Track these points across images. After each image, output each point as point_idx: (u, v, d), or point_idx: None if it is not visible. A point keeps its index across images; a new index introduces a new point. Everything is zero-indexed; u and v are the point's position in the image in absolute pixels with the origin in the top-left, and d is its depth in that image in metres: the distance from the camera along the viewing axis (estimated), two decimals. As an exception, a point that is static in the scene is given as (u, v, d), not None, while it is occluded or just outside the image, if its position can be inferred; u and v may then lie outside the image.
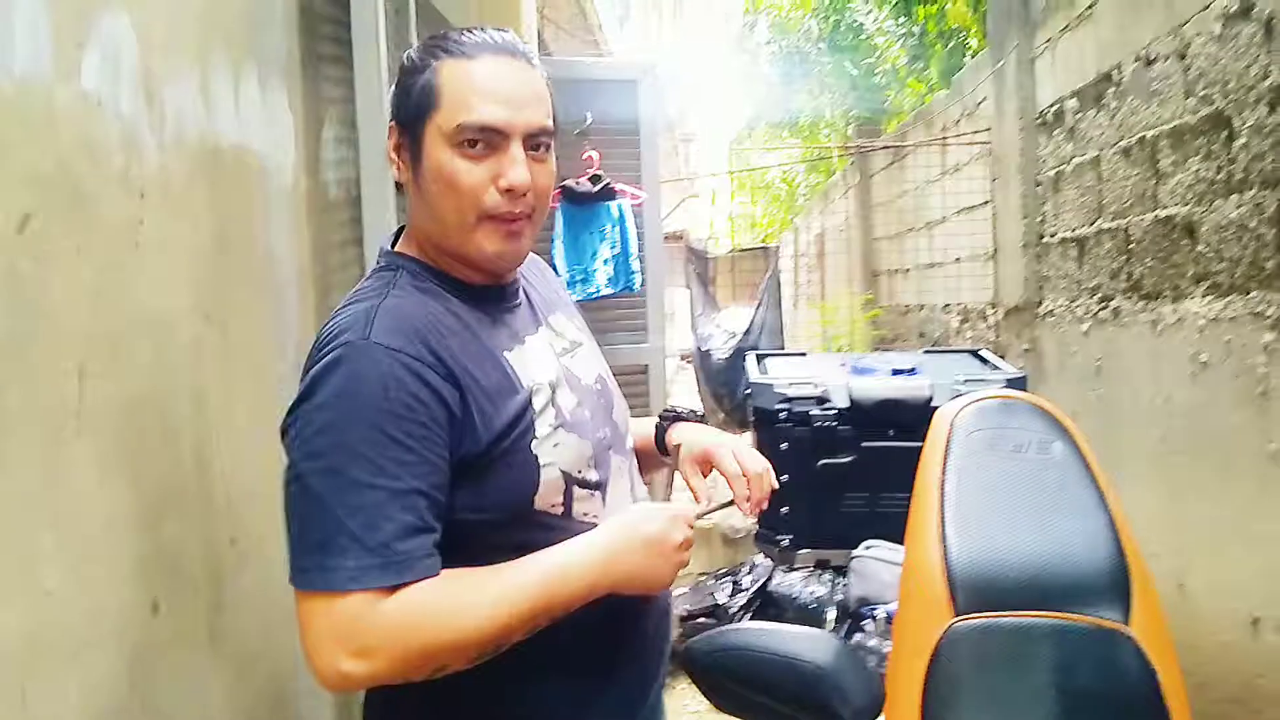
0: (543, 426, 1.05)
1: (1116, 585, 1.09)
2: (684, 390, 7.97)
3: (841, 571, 1.74)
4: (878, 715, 0.77)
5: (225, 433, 1.41)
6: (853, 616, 1.65)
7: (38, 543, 1.00)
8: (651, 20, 16.04)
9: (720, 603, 3.29)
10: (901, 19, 9.75)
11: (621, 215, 3.65)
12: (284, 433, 0.99)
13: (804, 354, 2.43)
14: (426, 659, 0.94)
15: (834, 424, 1.84)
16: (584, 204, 3.62)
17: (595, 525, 1.05)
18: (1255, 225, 2.26)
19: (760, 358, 2.22)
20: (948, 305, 5.35)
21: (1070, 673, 1.05)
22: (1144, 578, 1.11)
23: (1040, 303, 3.74)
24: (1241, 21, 2.30)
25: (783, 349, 5.63)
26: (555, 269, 3.66)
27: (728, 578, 3.64)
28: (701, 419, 1.31)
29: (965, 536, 1.11)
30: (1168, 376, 2.70)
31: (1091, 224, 3.23)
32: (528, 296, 1.18)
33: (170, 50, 1.32)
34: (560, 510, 1.06)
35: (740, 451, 1.19)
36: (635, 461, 1.23)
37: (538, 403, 1.06)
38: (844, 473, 1.83)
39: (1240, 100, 2.31)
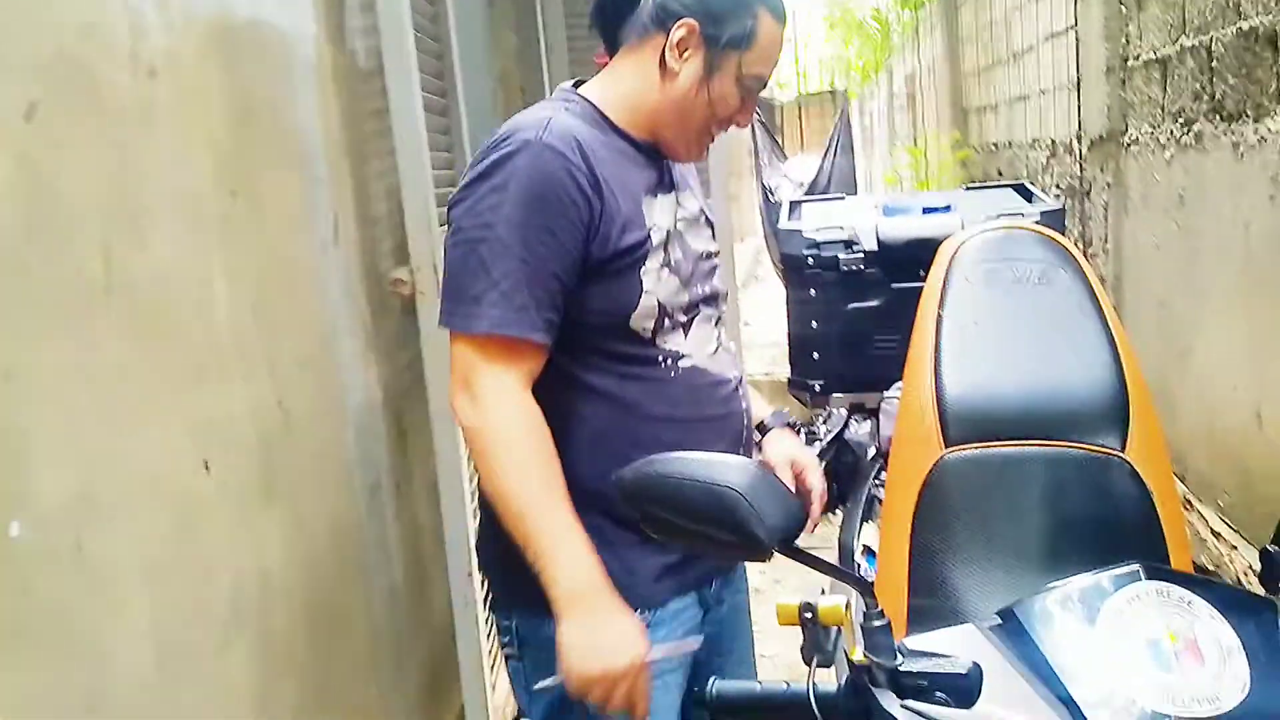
0: (653, 261, 1.24)
1: (1114, 413, 1.08)
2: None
3: (873, 414, 1.75)
4: (794, 536, 0.80)
5: (261, 303, 1.49)
6: (885, 456, 1.67)
7: (79, 405, 1.09)
8: None
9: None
10: None
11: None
12: (454, 204, 1.21)
13: (842, 197, 2.38)
14: (481, 445, 1.16)
15: (862, 267, 1.82)
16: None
17: (676, 353, 1.25)
18: (1341, 30, 2.08)
19: (795, 204, 2.18)
20: (1036, 140, 5.11)
21: (1063, 498, 1.06)
22: (1144, 405, 1.10)
23: (1125, 131, 3.55)
24: None
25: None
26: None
27: (802, 428, 3.69)
28: (795, 428, 1.51)
29: (958, 368, 1.11)
30: (1248, 201, 2.56)
31: (1175, 42, 3.02)
32: (670, 168, 1.36)
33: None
34: (648, 334, 1.24)
35: (819, 472, 1.39)
36: (724, 323, 1.41)
37: (655, 240, 1.24)
38: (874, 316, 1.82)
39: (1330, -111, 2.09)
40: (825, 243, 1.85)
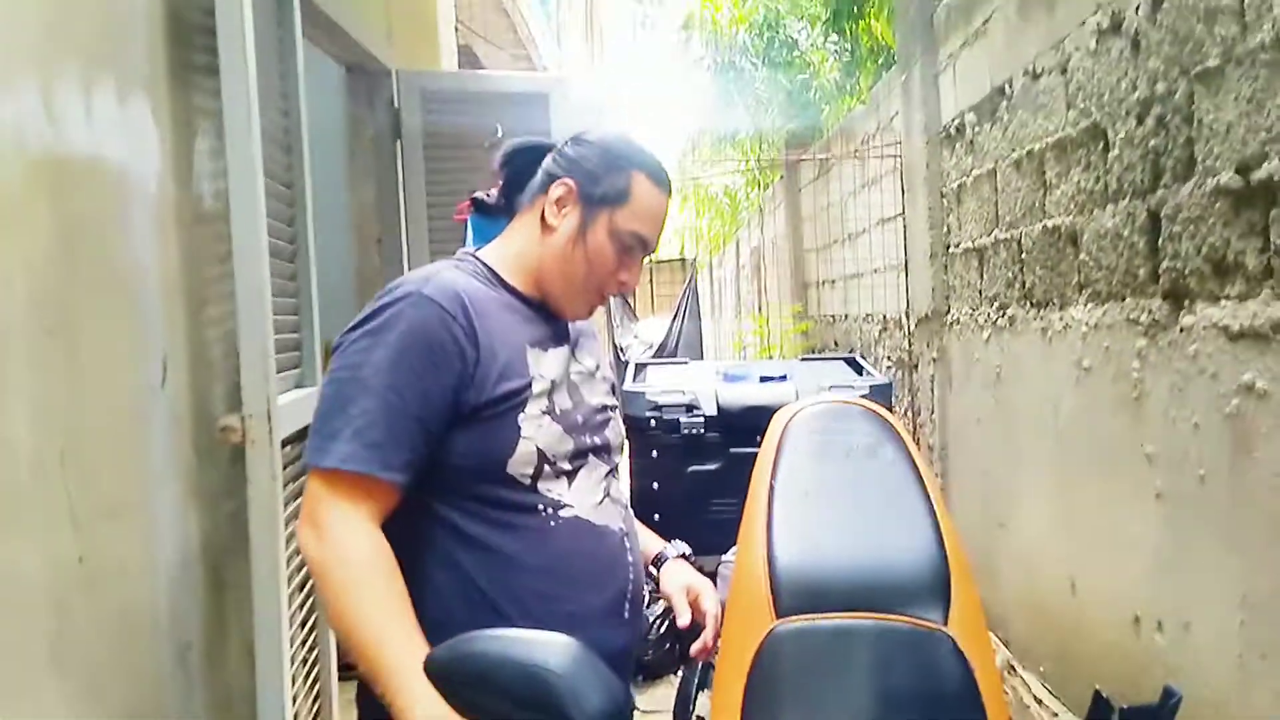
0: (534, 407, 1.26)
1: (936, 586, 1.11)
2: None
3: (710, 577, 1.75)
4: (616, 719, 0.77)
5: (71, 449, 1.39)
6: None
7: None
8: (590, 35, 16.06)
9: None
10: (834, 35, 9.90)
11: (533, 227, 3.65)
12: (335, 349, 1.24)
13: (685, 362, 2.45)
14: (325, 578, 1.15)
15: (702, 431, 1.86)
16: (494, 215, 3.62)
17: (557, 501, 1.26)
18: (1128, 234, 2.32)
19: (640, 367, 2.23)
20: (869, 315, 5.43)
21: (888, 672, 1.07)
22: (965, 578, 1.14)
23: (948, 311, 3.82)
24: (1112, 37, 2.37)
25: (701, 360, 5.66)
26: (467, 281, 3.67)
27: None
28: (690, 558, 1.54)
29: (789, 539, 1.13)
30: (1057, 382, 2.77)
31: (990, 234, 3.31)
32: (567, 327, 1.42)
33: (9, 61, 1.30)
34: (528, 480, 1.25)
35: (715, 598, 1.44)
36: (618, 477, 1.43)
37: (536, 389, 1.27)
38: (712, 479, 1.85)
39: (1113, 112, 2.38)
40: (667, 405, 1.89)
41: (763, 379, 2.01)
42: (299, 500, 2.28)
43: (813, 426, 1.23)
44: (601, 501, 1.32)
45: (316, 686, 2.31)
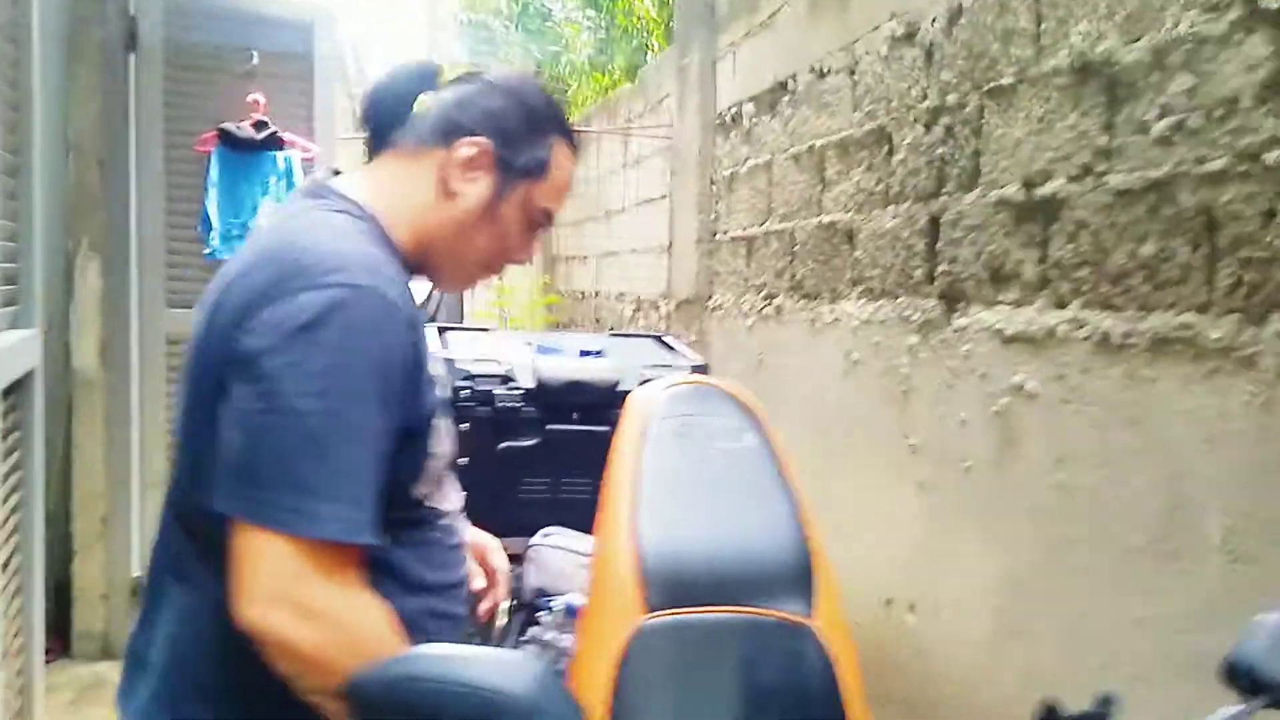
0: (440, 417, 1.05)
1: (801, 579, 1.08)
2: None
3: (517, 560, 1.64)
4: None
5: None
6: (528, 608, 1.57)
7: None
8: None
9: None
10: (590, 11, 9.90)
11: (289, 168, 3.33)
12: (264, 352, 0.90)
13: (487, 329, 2.31)
14: (326, 671, 0.86)
15: (519, 405, 1.74)
16: (245, 151, 3.26)
17: (437, 510, 1.07)
18: (907, 236, 2.44)
19: (441, 330, 2.07)
20: (622, 294, 5.46)
21: (756, 669, 1.03)
22: (827, 571, 1.11)
23: (710, 297, 3.89)
24: (905, 45, 2.47)
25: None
26: (208, 221, 3.28)
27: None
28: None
29: (657, 529, 1.05)
30: (823, 372, 2.88)
31: (761, 224, 3.39)
32: None
33: None
34: (424, 496, 1.06)
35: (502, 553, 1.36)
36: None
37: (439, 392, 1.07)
38: (526, 456, 1.74)
39: (900, 118, 2.48)
40: (480, 375, 1.75)
41: (582, 353, 1.91)
42: (10, 458, 1.92)
43: (674, 408, 1.16)
44: (460, 505, 1.16)
45: (20, 668, 1.97)
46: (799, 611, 1.06)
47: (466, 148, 1.08)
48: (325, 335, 0.91)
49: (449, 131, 1.09)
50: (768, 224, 3.34)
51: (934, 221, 2.34)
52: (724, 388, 1.23)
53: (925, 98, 2.38)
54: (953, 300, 2.26)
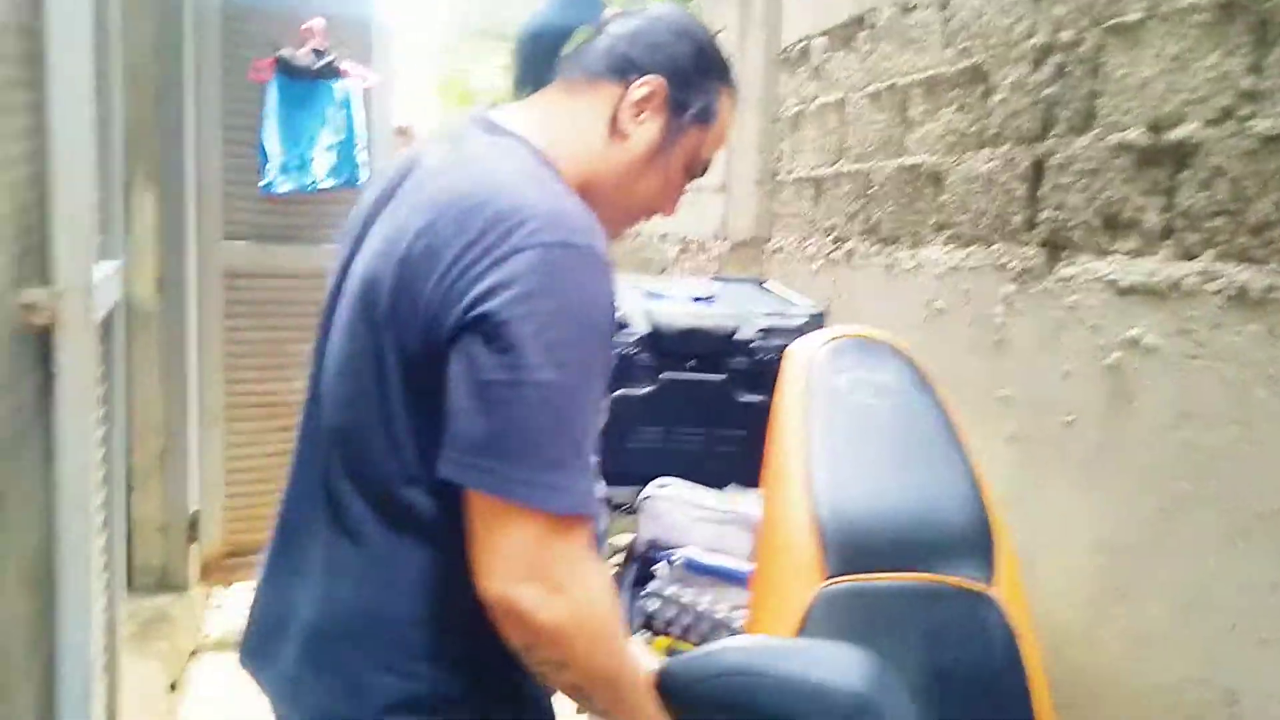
0: None
1: (982, 544, 1.03)
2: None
3: (630, 511, 1.59)
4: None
5: None
6: (641, 561, 1.52)
7: None
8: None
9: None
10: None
11: (348, 99, 3.23)
12: (502, 320, 0.86)
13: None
14: (580, 637, 0.86)
15: (634, 351, 1.68)
16: (303, 80, 3.17)
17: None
18: (1005, 180, 2.34)
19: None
20: (665, 234, 5.36)
21: (939, 638, 0.97)
22: (1006, 537, 1.06)
23: (769, 239, 3.80)
24: (1010, -22, 2.35)
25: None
26: (264, 151, 3.19)
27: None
28: None
29: (834, 492, 0.99)
30: (898, 319, 2.80)
31: (831, 165, 3.28)
32: None
33: None
34: None
35: None
36: None
37: None
38: (639, 405, 1.68)
39: (1001, 56, 2.37)
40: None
41: (694, 299, 1.84)
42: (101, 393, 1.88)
43: (839, 363, 1.10)
44: None
45: (109, 609, 1.95)
46: (980, 578, 1.01)
47: (640, 86, 1.02)
48: (564, 302, 0.88)
49: (623, 68, 1.02)
50: (839, 165, 3.23)
51: (1037, 166, 2.24)
52: (887, 341, 1.16)
53: (1032, 34, 2.26)
54: (1057, 248, 2.17)
